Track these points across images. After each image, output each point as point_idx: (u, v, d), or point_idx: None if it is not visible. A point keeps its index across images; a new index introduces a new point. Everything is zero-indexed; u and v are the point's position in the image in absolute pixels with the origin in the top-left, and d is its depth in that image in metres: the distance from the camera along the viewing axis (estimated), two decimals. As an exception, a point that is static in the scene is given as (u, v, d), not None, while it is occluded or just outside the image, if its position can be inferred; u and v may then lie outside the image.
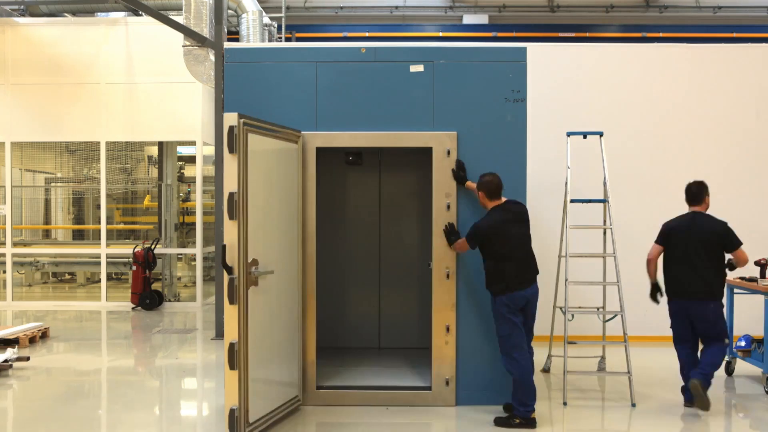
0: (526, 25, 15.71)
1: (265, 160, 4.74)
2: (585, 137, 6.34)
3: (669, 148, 7.92)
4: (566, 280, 5.92)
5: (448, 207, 5.29)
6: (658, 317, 7.54)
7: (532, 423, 4.90)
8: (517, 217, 5.00)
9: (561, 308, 6.05)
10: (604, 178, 6.13)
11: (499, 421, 4.97)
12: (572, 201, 6.23)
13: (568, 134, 6.35)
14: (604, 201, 6.19)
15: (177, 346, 7.85)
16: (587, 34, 15.11)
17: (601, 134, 6.22)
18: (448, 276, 5.29)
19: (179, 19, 9.29)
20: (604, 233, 6.38)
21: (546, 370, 6.55)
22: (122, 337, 8.51)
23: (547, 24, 15.85)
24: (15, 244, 10.98)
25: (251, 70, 5.39)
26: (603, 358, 6.50)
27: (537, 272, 5.06)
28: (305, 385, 5.30)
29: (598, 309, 6.35)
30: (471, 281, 5.32)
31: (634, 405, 5.46)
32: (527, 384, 4.89)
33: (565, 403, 5.50)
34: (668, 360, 6.82)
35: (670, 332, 5.50)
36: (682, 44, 8.22)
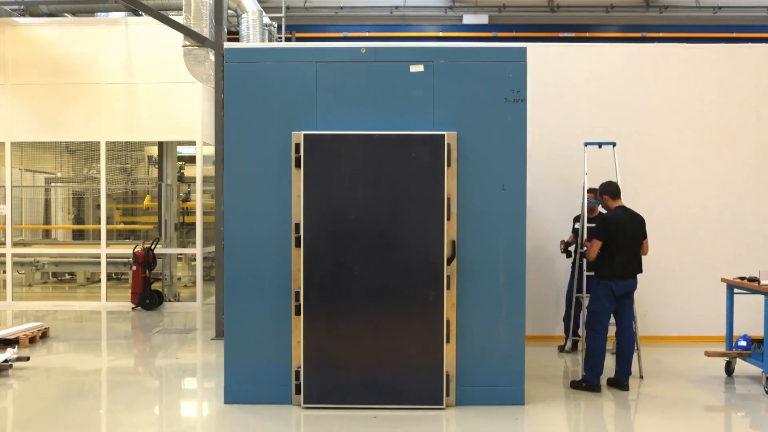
0: (526, 25, 15.70)
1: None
2: (600, 147, 6.79)
3: (668, 147, 7.90)
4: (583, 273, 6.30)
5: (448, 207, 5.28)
6: (658, 317, 7.58)
7: None
8: None
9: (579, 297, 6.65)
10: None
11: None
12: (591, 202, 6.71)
13: (585, 144, 6.85)
14: None
15: (177, 346, 7.84)
16: (587, 34, 15.11)
17: (614, 144, 6.71)
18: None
19: (179, 19, 9.28)
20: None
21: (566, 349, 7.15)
22: (122, 337, 8.51)
23: (547, 24, 15.85)
24: (15, 244, 10.98)
25: (251, 70, 5.38)
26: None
27: None
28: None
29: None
30: (471, 281, 5.32)
31: (642, 377, 6.00)
32: None
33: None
34: (668, 360, 6.83)
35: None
36: (682, 44, 8.20)
